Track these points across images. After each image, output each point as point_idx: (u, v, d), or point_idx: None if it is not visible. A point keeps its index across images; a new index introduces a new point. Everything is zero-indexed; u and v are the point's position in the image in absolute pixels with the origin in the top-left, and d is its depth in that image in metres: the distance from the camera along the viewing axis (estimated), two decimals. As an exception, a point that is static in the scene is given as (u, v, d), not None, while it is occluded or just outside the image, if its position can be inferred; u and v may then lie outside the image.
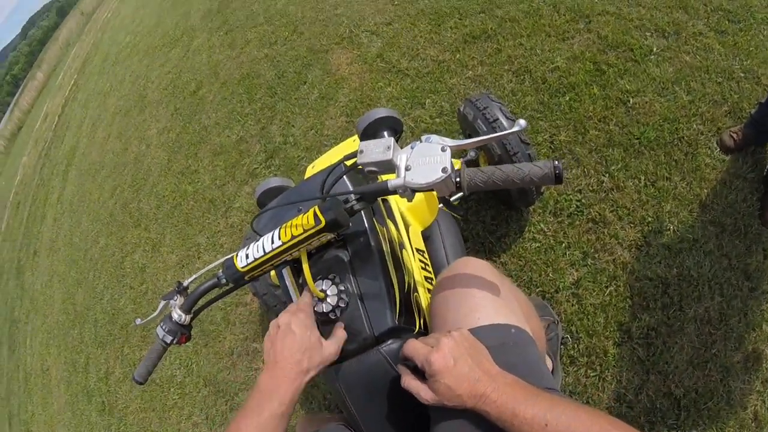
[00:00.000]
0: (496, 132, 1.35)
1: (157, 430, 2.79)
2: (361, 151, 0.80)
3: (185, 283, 0.91)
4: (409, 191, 0.76)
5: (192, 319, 0.88)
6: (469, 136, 1.63)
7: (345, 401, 0.87)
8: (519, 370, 0.73)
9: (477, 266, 0.91)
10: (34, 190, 8.59)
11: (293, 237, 0.78)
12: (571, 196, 1.80)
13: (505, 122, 1.45)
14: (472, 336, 0.73)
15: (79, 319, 4.25)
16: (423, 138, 0.78)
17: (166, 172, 3.95)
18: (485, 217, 1.89)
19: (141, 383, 0.88)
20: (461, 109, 1.58)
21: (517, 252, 1.80)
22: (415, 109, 2.42)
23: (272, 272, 1.41)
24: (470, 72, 2.38)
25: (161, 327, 0.86)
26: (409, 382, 0.72)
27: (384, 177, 0.83)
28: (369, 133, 1.28)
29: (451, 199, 1.66)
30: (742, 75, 1.80)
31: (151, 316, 0.94)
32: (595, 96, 1.97)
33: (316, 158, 1.68)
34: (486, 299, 0.85)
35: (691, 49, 1.93)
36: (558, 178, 0.68)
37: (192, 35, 5.06)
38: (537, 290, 1.71)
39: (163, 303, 0.90)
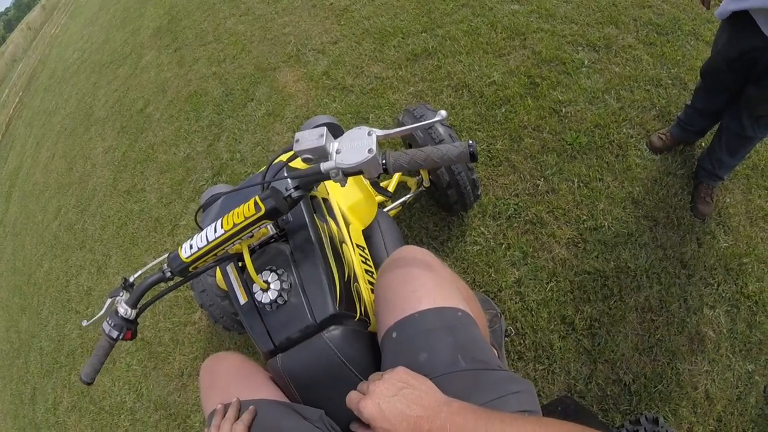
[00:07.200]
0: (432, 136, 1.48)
1: (108, 459, 2.69)
2: (297, 140, 0.84)
3: (131, 279, 0.92)
4: (340, 174, 0.81)
5: (138, 314, 0.88)
6: (409, 146, 1.71)
7: (290, 390, 0.88)
8: (469, 349, 0.76)
9: (416, 251, 0.93)
10: (-27, 214, 8.13)
11: (235, 225, 0.81)
12: (509, 200, 1.88)
13: (440, 128, 1.52)
14: (409, 371, 0.71)
15: (24, 347, 4.04)
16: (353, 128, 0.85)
17: (111, 191, 3.86)
18: (428, 223, 1.95)
19: (89, 383, 0.86)
20: (400, 118, 1.66)
21: (460, 255, 1.85)
22: (359, 123, 2.46)
23: (219, 277, 1.43)
24: (412, 88, 2.47)
25: (107, 322, 0.86)
26: None
27: None
28: None
29: (393, 205, 1.72)
30: (670, 82, 1.92)
31: (98, 315, 0.94)
32: (529, 107, 2.07)
33: None
34: (427, 279, 0.86)
35: (620, 60, 2.05)
36: (472, 156, 0.75)
37: (141, 53, 4.97)
38: (481, 290, 1.75)
39: (109, 300, 0.91)
